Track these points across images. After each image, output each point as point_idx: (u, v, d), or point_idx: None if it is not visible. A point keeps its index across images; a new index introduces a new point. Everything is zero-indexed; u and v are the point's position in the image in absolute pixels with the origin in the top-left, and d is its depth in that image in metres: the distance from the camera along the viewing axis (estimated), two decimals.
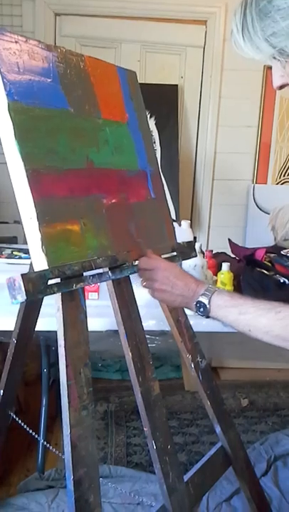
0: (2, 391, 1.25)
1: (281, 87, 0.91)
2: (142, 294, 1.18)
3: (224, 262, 1.83)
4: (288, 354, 1.07)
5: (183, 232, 2.04)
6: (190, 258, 1.30)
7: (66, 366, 0.88)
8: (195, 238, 2.54)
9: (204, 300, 1.05)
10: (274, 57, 0.85)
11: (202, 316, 1.07)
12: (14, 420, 1.32)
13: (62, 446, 0.89)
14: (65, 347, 0.89)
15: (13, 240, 2.68)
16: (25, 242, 0.89)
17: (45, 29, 2.88)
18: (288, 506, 1.77)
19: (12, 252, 2.26)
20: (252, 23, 0.83)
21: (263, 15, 0.81)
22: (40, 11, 2.86)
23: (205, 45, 3.02)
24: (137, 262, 1.10)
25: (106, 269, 1.01)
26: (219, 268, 1.85)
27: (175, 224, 1.47)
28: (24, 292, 0.81)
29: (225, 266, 1.79)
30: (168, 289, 1.09)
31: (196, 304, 1.07)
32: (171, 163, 2.92)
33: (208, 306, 1.05)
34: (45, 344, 2.04)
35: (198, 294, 1.07)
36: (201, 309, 1.06)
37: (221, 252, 2.26)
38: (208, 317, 1.07)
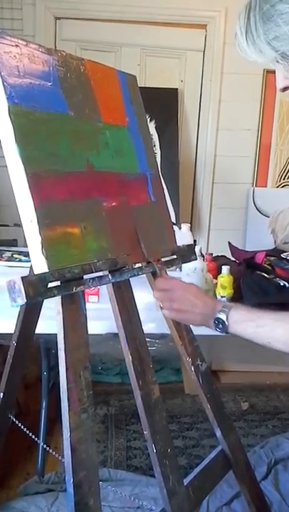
0: (2, 394, 1.25)
1: (284, 89, 0.92)
2: (141, 297, 1.18)
3: (224, 265, 1.83)
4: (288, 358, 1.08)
5: (183, 236, 2.05)
6: (190, 261, 1.30)
7: (66, 369, 0.88)
8: (195, 241, 2.55)
9: (222, 316, 1.07)
10: (277, 61, 0.85)
11: (221, 332, 1.08)
12: (14, 423, 1.32)
13: (62, 450, 0.89)
14: (65, 350, 0.89)
15: (14, 242, 2.68)
16: (26, 245, 0.89)
17: (45, 33, 2.90)
18: (288, 510, 1.76)
19: (12, 254, 2.26)
20: (255, 26, 0.83)
21: (266, 18, 0.81)
22: (40, 14, 2.87)
23: (205, 49, 3.03)
24: (137, 265, 1.10)
25: (106, 272, 1.01)
26: (219, 271, 1.85)
27: (175, 227, 1.47)
28: (24, 295, 0.81)
29: (225, 269, 1.79)
30: (188, 308, 1.10)
31: (214, 321, 1.08)
32: (171, 166, 2.93)
33: (226, 322, 1.06)
34: (45, 347, 2.04)
35: (216, 311, 1.08)
36: (220, 326, 1.07)
37: (221, 255, 2.26)
38: (227, 333, 1.07)
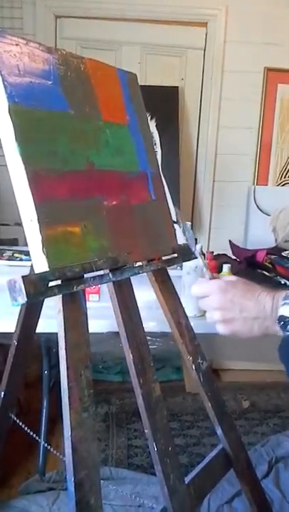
0: (3, 393, 1.25)
1: None
2: (142, 296, 1.18)
3: (225, 263, 1.83)
4: None
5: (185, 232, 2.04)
6: (191, 260, 1.30)
7: (67, 368, 0.88)
8: (196, 240, 2.54)
9: (286, 312, 0.77)
10: None
11: None
12: (15, 422, 1.32)
13: (63, 448, 0.89)
14: (65, 349, 0.89)
15: (14, 241, 2.68)
16: (26, 244, 0.89)
17: (45, 31, 2.90)
18: None
19: (13, 253, 2.26)
20: None
21: None
22: (40, 13, 2.87)
23: (205, 47, 3.03)
24: (138, 264, 1.10)
25: (107, 271, 1.01)
26: (220, 269, 1.85)
27: (176, 225, 1.47)
28: (25, 294, 0.81)
29: (226, 267, 1.79)
30: (236, 315, 0.84)
31: (278, 322, 0.79)
32: (172, 164, 2.93)
33: None
34: (46, 346, 2.04)
35: (278, 305, 0.79)
36: (287, 326, 0.77)
37: (222, 254, 2.27)
38: None
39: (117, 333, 1.07)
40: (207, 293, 0.89)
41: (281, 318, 0.77)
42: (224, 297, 0.86)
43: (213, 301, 0.87)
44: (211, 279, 0.95)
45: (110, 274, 1.01)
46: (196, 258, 1.18)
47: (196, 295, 0.92)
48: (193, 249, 1.12)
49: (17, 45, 0.93)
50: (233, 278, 0.92)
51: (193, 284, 0.92)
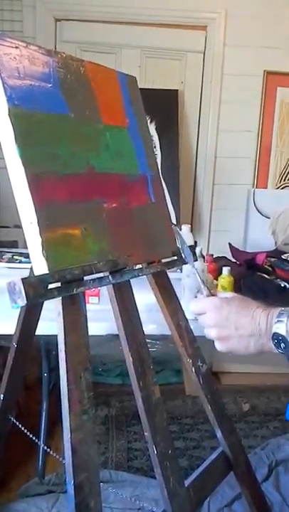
0: (3, 395, 1.25)
1: None
2: (142, 298, 1.18)
3: (225, 266, 1.84)
4: None
5: (183, 237, 2.04)
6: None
7: (67, 371, 0.88)
8: (195, 242, 2.55)
9: (280, 329, 0.76)
10: None
11: (285, 354, 0.77)
12: (14, 425, 1.32)
13: (62, 451, 0.89)
14: (65, 351, 0.89)
15: (14, 244, 2.68)
16: (26, 247, 0.89)
17: (45, 34, 2.90)
18: None
19: (12, 256, 2.27)
20: None
21: None
22: (40, 16, 2.88)
23: (205, 50, 3.03)
24: (138, 266, 1.10)
25: (106, 273, 1.01)
26: (220, 272, 1.85)
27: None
28: (24, 296, 0.81)
29: (225, 270, 1.79)
30: (231, 333, 0.85)
31: (272, 340, 0.78)
32: (172, 167, 2.93)
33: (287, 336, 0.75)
34: (46, 348, 2.04)
35: (271, 325, 0.79)
36: (282, 345, 0.76)
37: (222, 257, 2.27)
38: None
39: (117, 335, 1.07)
40: (203, 310, 0.91)
41: (275, 335, 0.78)
42: (219, 315, 0.87)
43: (208, 319, 0.89)
44: (208, 295, 0.97)
45: (110, 277, 1.01)
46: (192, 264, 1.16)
47: (194, 312, 0.94)
48: (191, 265, 1.13)
49: (17, 47, 0.93)
50: (230, 295, 0.93)
51: (192, 300, 0.96)
